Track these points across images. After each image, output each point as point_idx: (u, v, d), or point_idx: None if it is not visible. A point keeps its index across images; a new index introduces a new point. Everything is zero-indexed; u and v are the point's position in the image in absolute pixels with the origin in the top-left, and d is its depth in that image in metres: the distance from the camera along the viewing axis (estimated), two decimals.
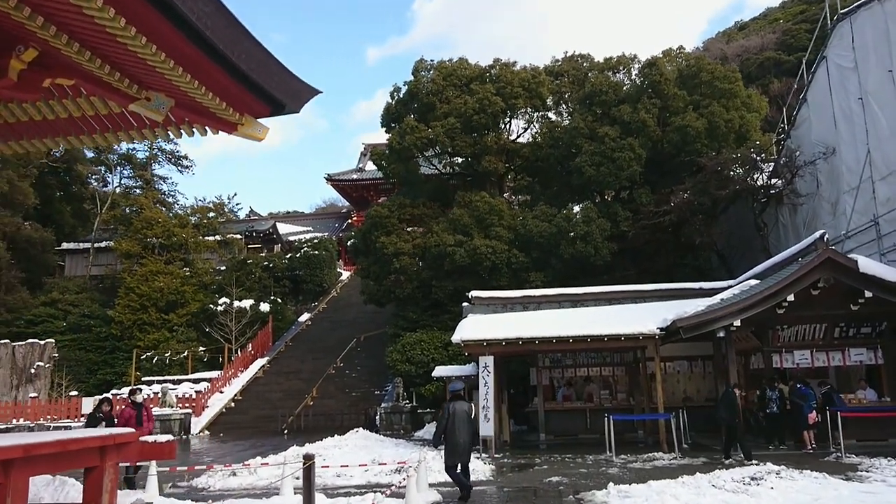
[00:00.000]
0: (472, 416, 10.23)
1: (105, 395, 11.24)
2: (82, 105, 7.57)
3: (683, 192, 23.47)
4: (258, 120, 8.22)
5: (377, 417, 23.99)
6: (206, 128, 8.03)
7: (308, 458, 7.92)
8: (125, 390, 31.09)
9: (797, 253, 15.73)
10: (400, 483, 9.26)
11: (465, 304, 21.33)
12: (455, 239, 25.38)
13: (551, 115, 29.67)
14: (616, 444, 14.78)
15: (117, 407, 11.67)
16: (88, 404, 27.95)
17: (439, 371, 23.26)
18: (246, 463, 11.73)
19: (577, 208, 26.71)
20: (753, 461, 12.56)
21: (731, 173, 23.35)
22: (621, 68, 27.82)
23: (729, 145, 24.49)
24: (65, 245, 46.92)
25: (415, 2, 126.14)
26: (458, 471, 9.97)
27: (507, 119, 29.20)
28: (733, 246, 25.37)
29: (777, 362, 15.76)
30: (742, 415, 14.14)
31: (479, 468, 12.68)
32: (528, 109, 28.54)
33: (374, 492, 10.34)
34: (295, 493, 9.78)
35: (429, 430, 22.10)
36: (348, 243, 31.26)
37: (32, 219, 46.63)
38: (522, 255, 25.20)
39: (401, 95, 29.26)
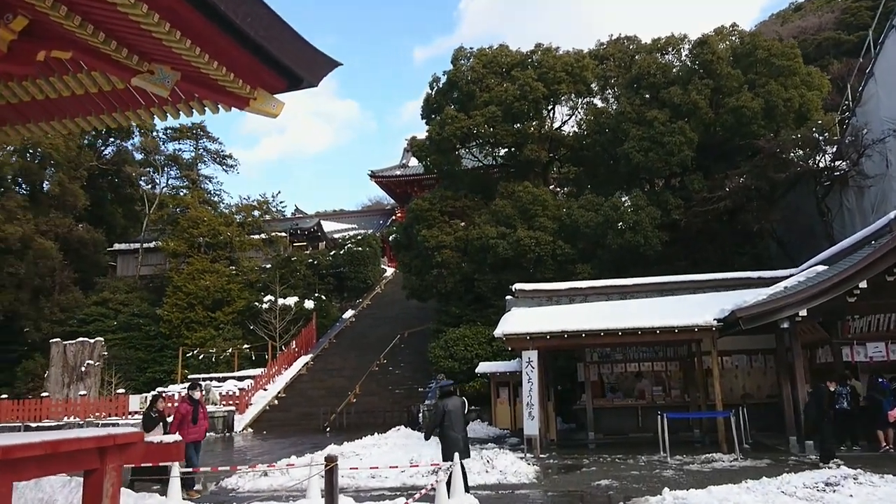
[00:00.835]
0: (466, 412, 10.56)
1: (158, 391, 11.09)
2: (83, 81, 7.08)
3: (739, 176, 22.15)
4: (274, 95, 7.62)
5: (420, 415, 23.36)
6: (217, 104, 7.47)
7: (330, 461, 7.27)
8: (173, 388, 31.39)
9: (868, 237, 14.42)
10: (432, 486, 8.56)
11: (508, 297, 20.51)
12: (498, 231, 24.56)
13: (596, 101, 28.53)
14: (670, 444, 13.77)
15: (167, 404, 11.64)
16: (135, 402, 28.18)
17: (483, 367, 22.54)
18: (272, 464, 11.20)
19: (624, 197, 25.53)
20: (830, 464, 11.44)
21: (791, 156, 21.93)
22: (670, 49, 26.49)
23: (788, 126, 23.02)
24: (116, 246, 47.76)
25: (461, 1, 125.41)
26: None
27: (550, 106, 28.19)
28: (793, 233, 23.90)
29: (847, 355, 14.51)
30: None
31: (522, 470, 11.89)
32: (572, 95, 27.46)
33: (406, 495, 9.66)
34: (322, 496, 9.15)
35: (473, 429, 21.35)
36: (390, 238, 30.72)
37: (85, 220, 47.63)
38: (568, 247, 24.22)
39: (440, 86, 28.57)
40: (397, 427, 19.75)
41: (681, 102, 23.80)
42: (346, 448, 15.52)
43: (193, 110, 7.57)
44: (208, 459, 16.57)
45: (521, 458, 13.84)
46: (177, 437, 10.25)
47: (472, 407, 23.81)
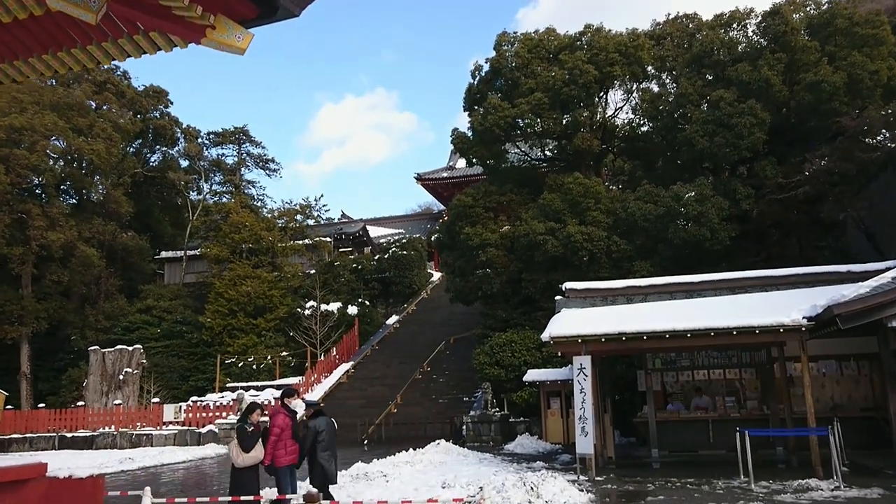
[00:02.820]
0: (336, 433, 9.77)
1: (253, 400, 9.21)
2: None
3: (820, 159, 19.61)
4: (239, 24, 5.93)
5: (463, 427, 21.50)
6: (167, 34, 5.82)
7: (310, 499, 5.51)
8: (211, 397, 30.36)
9: None
10: None
11: (558, 297, 18.47)
12: (546, 226, 22.57)
13: (653, 86, 26.23)
14: (752, 467, 11.52)
15: (261, 417, 9.25)
16: (170, 411, 27.17)
17: (532, 375, 20.57)
18: (258, 496, 9.50)
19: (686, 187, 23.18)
20: None
21: (881, 135, 19.30)
22: (735, 25, 24.03)
23: (875, 102, 20.38)
24: (164, 254, 47.50)
25: (518, 11, 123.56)
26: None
27: (602, 92, 26.04)
28: (883, 223, 21.12)
29: None
30: None
31: (574, 499, 9.89)
32: (626, 79, 25.27)
33: None
34: None
35: (521, 443, 19.43)
36: (432, 237, 29.08)
37: (133, 228, 47.55)
38: (624, 243, 22.04)
39: (482, 74, 26.77)
40: (437, 441, 17.91)
41: (750, 80, 21.38)
42: (374, 467, 13.78)
43: (141, 48, 5.95)
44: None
45: (574, 481, 11.82)
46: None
47: (521, 419, 21.88)
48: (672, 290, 17.33)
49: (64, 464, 17.67)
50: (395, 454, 16.25)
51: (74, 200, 41.58)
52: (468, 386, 26.39)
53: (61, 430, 27.48)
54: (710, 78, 23.42)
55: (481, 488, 9.98)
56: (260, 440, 9.01)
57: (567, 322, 14.38)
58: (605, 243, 21.89)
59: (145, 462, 18.27)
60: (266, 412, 10.05)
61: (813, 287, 15.33)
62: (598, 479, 12.47)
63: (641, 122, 26.45)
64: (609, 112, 26.93)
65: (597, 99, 26.01)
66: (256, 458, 8.66)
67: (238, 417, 9.35)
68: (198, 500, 8.09)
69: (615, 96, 26.88)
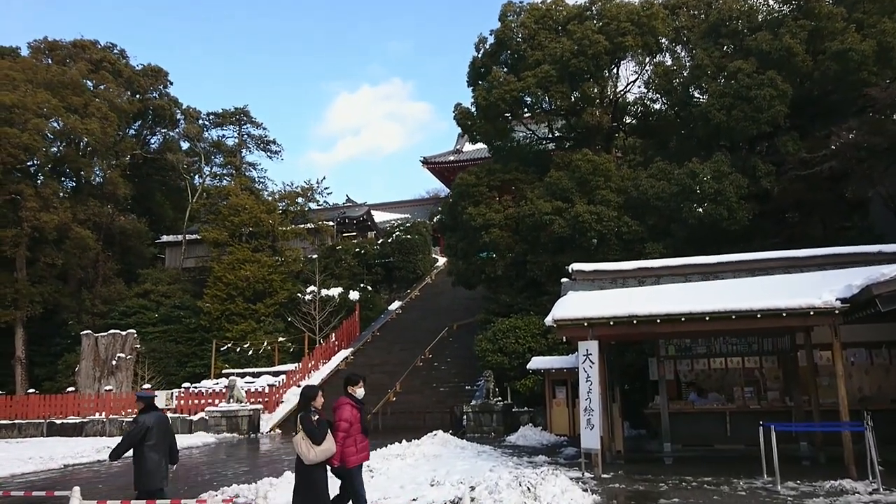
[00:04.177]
0: (171, 427, 8.67)
1: (310, 384, 7.41)
2: None
3: (847, 132, 18.25)
4: None
5: (464, 417, 20.42)
6: None
7: None
8: (206, 384, 29.42)
9: None
10: None
11: (564, 280, 17.30)
12: (553, 206, 21.34)
13: (667, 58, 24.80)
14: (772, 462, 10.33)
15: (320, 401, 7.44)
16: (162, 398, 26.22)
17: (536, 362, 19.44)
18: (200, 499, 8.37)
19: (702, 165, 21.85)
20: None
21: None
22: None
23: None
24: (164, 238, 46.58)
25: None
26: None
27: (613, 66, 24.66)
28: None
29: None
30: None
31: (577, 500, 8.74)
32: (639, 51, 23.85)
33: None
34: None
35: (523, 435, 18.31)
36: (434, 219, 27.91)
37: (134, 212, 46.65)
38: (635, 223, 20.78)
39: (487, 47, 25.45)
40: (434, 432, 16.78)
41: (770, 50, 19.98)
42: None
43: None
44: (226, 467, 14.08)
45: (578, 479, 10.69)
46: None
47: (525, 409, 20.76)
48: (687, 273, 16.10)
49: (40, 452, 16.78)
50: (389, 445, 15.19)
51: (73, 182, 40.69)
52: (470, 374, 25.30)
53: (51, 416, 26.66)
54: (727, 50, 22.03)
55: (472, 488, 8.87)
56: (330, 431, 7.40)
57: (573, 305, 13.19)
58: (615, 223, 20.65)
59: None
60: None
61: (840, 268, 14.07)
62: (605, 476, 11.32)
63: (654, 97, 25.05)
64: (620, 87, 25.57)
65: (607, 73, 24.64)
66: (329, 451, 7.17)
67: (299, 403, 7.56)
68: (132, 502, 7.02)
69: (627, 71, 25.54)
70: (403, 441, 15.42)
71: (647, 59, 24.70)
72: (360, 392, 7.87)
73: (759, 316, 10.98)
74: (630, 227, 20.70)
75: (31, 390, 30.58)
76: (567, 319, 12.09)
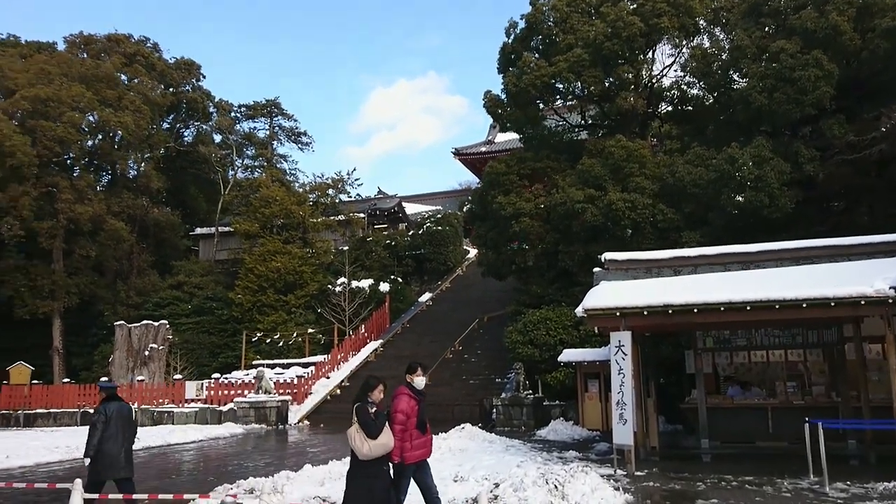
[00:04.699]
0: (134, 418, 8.72)
1: (372, 377, 6.90)
2: None
3: None
4: None
5: (493, 410, 19.98)
6: None
7: None
8: (236, 374, 29.50)
9: None
10: None
11: (596, 269, 16.69)
12: (585, 194, 20.70)
13: (705, 40, 23.87)
14: (818, 461, 9.68)
15: (379, 393, 6.66)
16: (192, 389, 26.34)
17: (567, 355, 18.88)
18: (203, 494, 8.01)
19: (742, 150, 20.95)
20: None
21: None
22: None
23: None
24: (198, 230, 47.02)
25: None
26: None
27: (649, 50, 23.84)
28: None
29: None
30: None
31: (608, 500, 8.24)
32: (675, 34, 22.98)
33: None
34: None
35: (554, 429, 17.80)
36: (463, 209, 27.44)
37: (168, 204, 47.20)
38: (671, 211, 20.05)
39: (517, 32, 24.81)
40: (461, 426, 16.43)
41: (815, 28, 19.00)
42: None
43: None
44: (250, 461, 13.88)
45: (609, 476, 10.18)
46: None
47: (556, 402, 20.24)
48: (726, 261, 15.35)
49: (69, 441, 16.81)
50: None
51: (108, 175, 41.24)
52: (501, 366, 24.84)
53: (85, 405, 26.96)
54: (769, 30, 21.09)
55: (496, 485, 8.43)
56: (387, 424, 6.74)
57: (604, 294, 12.63)
58: (649, 211, 19.94)
59: (150, 442, 17.26)
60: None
61: (891, 257, 13.25)
62: (639, 473, 10.77)
63: (691, 81, 24.17)
64: (656, 71, 24.74)
65: (642, 56, 23.83)
66: (386, 446, 6.53)
67: (359, 392, 6.81)
68: (134, 496, 6.73)
69: (662, 55, 24.69)
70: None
71: (684, 42, 23.81)
72: (418, 381, 7.24)
73: (804, 305, 10.31)
74: (665, 215, 19.97)
75: (66, 380, 31.03)
76: (598, 309, 11.55)
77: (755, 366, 15.18)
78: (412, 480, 7.06)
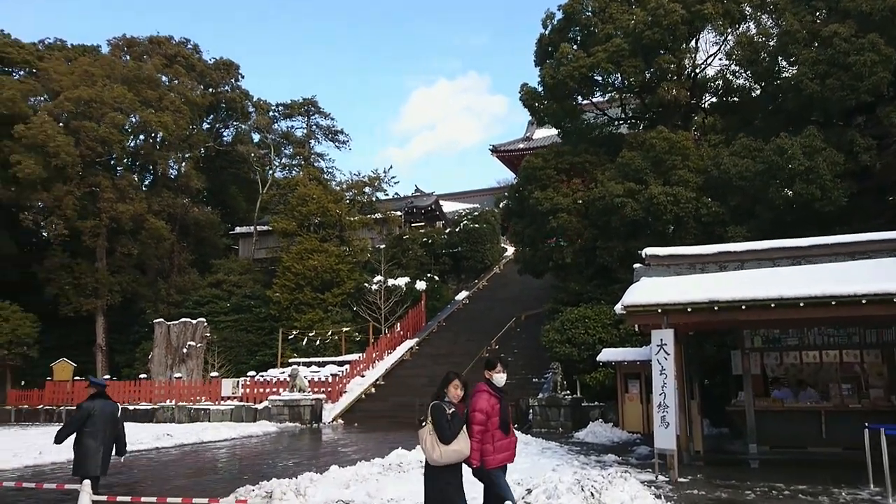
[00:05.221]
0: (119, 418, 8.63)
1: (452, 371, 6.28)
2: None
3: None
4: None
5: (530, 411, 19.43)
6: None
7: None
8: (272, 371, 29.48)
9: None
10: None
11: (637, 265, 16.02)
12: (625, 188, 20.00)
13: (751, 27, 22.88)
14: (878, 470, 8.94)
15: (455, 390, 6.03)
16: (227, 386, 26.39)
17: (606, 354, 18.24)
18: (213, 499, 7.69)
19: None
20: None
21: None
22: None
23: None
24: (238, 229, 47.46)
25: None
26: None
27: (692, 38, 22.95)
28: None
29: None
30: None
31: None
32: (720, 21, 22.07)
33: None
34: None
35: (593, 431, 17.18)
36: (500, 205, 26.95)
37: (208, 203, 47.78)
38: (716, 205, 19.22)
39: (554, 23, 24.18)
40: None
41: (871, 10, 17.99)
42: (416, 455, 11.91)
43: None
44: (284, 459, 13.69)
45: (650, 482, 9.59)
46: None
47: (595, 403, 19.59)
48: (775, 256, 14.49)
49: None
50: None
51: (150, 175, 41.86)
52: (538, 366, 24.26)
53: (125, 402, 27.24)
54: (821, 14, 20.08)
55: (528, 490, 7.95)
56: (465, 428, 6.01)
57: (646, 290, 12.01)
58: (693, 205, 19.15)
59: (184, 439, 17.21)
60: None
61: None
62: (682, 480, 10.14)
63: (736, 70, 23.22)
64: (699, 60, 23.82)
65: (684, 45, 22.95)
66: (459, 454, 5.87)
67: (437, 390, 6.11)
68: (142, 499, 6.44)
69: (706, 43, 23.76)
70: None
71: (729, 30, 22.84)
72: (499, 378, 6.39)
73: (864, 302, 9.56)
74: (710, 208, 19.16)
75: (106, 377, 31.46)
76: (639, 306, 10.95)
77: (807, 367, 14.36)
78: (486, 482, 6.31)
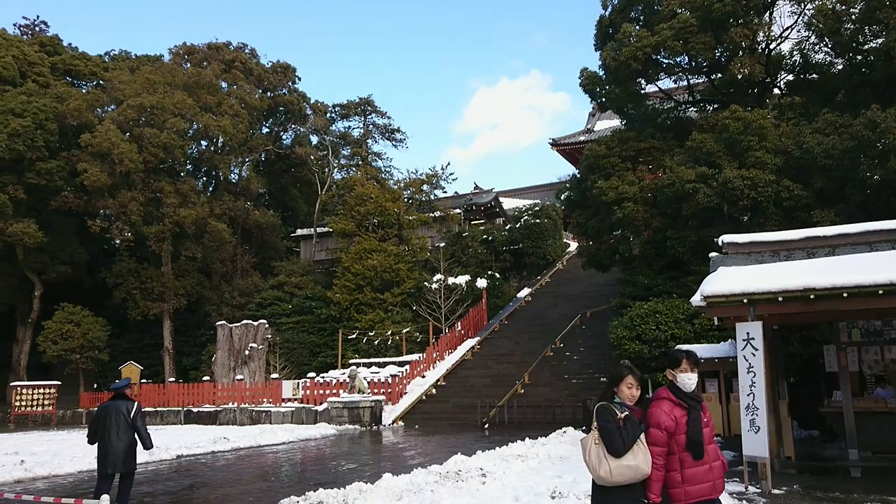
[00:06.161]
0: (133, 416, 8.71)
1: (625, 364, 4.44)
2: None
3: None
4: None
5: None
6: None
7: None
8: (332, 373, 29.18)
9: None
10: None
11: (713, 254, 14.76)
12: (696, 173, 18.65)
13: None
14: None
15: (629, 389, 4.53)
16: (288, 388, 26.19)
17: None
18: None
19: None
20: None
21: None
22: None
23: None
24: (299, 231, 47.72)
25: None
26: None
27: (766, 10, 21.35)
28: None
29: None
30: None
31: None
32: None
33: None
34: None
35: None
36: (561, 197, 25.82)
37: (269, 206, 48.25)
38: (798, 187, 17.66)
39: (615, 3, 22.95)
40: (563, 429, 15.03)
41: None
42: (476, 462, 11.06)
43: None
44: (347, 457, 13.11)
45: (740, 494, 8.48)
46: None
47: None
48: (872, 240, 13.02)
49: (160, 442, 16.67)
50: (512, 442, 13.60)
51: (212, 180, 42.47)
52: (606, 364, 23.02)
53: (189, 404, 27.43)
54: None
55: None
56: (642, 439, 4.45)
57: (727, 279, 10.82)
58: (772, 189, 17.65)
59: (240, 443, 16.86)
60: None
61: None
62: (776, 492, 8.96)
63: (815, 44, 21.48)
64: (774, 34, 22.14)
65: (757, 19, 21.36)
66: (636, 471, 4.34)
67: (603, 393, 4.73)
68: None
69: (781, 15, 22.09)
70: (527, 439, 13.76)
71: (807, 3, 21.12)
72: (684, 379, 4.66)
73: None
74: (791, 192, 17.62)
75: (171, 379, 31.86)
76: (721, 295, 9.80)
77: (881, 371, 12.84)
78: None
